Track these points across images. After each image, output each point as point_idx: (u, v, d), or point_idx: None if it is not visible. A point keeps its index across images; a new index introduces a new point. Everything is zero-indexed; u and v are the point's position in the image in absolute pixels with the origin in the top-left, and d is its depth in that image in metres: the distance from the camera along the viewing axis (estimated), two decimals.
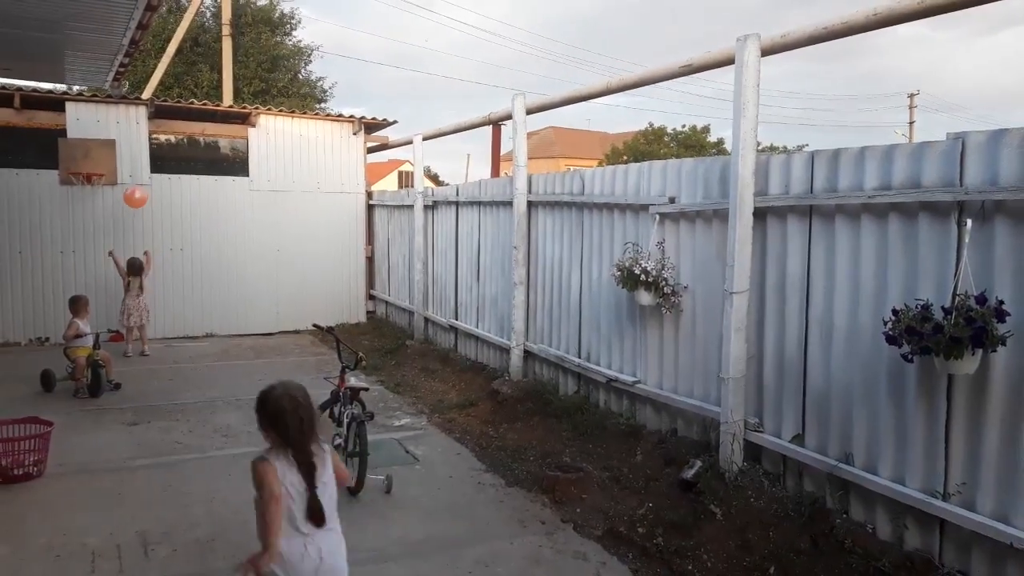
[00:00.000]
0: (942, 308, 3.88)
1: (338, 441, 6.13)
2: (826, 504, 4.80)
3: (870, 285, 4.59)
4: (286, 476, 3.11)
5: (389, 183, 47.16)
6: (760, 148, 5.41)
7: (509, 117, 8.85)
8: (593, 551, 4.96)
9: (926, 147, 4.30)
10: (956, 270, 4.03)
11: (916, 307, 3.99)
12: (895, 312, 4.09)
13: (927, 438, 4.25)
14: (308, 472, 3.14)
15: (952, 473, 4.13)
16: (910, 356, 4.02)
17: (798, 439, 5.12)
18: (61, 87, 13.09)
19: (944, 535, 4.16)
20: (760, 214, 5.32)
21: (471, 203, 10.17)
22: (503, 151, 11.48)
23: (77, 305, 9.03)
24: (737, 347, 5.35)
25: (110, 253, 11.17)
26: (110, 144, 11.54)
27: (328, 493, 3.22)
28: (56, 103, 11.54)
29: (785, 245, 5.20)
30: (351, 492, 5.70)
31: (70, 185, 11.39)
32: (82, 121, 11.57)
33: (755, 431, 5.39)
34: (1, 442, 5.93)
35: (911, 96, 42.97)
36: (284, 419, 3.15)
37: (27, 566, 4.57)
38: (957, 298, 3.89)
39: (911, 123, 42.53)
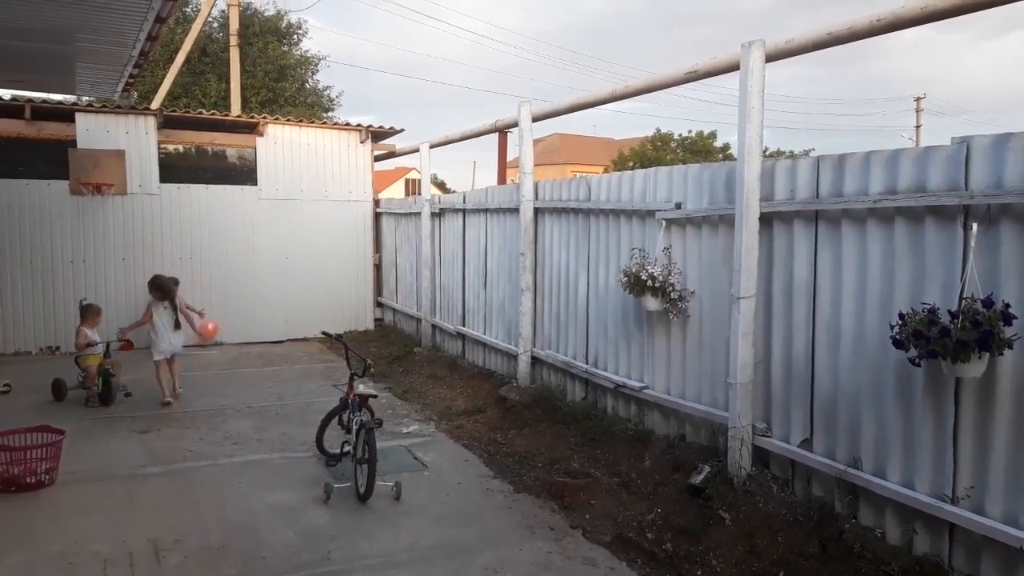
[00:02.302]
0: (949, 312, 3.88)
1: (347, 448, 6.17)
2: (835, 509, 4.80)
3: (877, 289, 4.60)
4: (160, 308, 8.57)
5: (396, 191, 47.35)
6: (766, 153, 5.43)
7: (515, 124, 8.89)
8: (602, 557, 4.96)
9: (931, 151, 4.31)
10: (962, 274, 4.04)
11: (923, 311, 4.00)
12: (902, 316, 4.10)
13: (935, 442, 4.25)
14: (171, 306, 8.66)
15: (961, 477, 4.13)
16: (917, 360, 4.03)
17: (806, 444, 5.12)
18: (71, 98, 13.19)
19: (954, 539, 4.16)
20: (766, 219, 5.34)
21: (478, 210, 10.21)
22: (509, 158, 11.54)
23: (87, 313, 9.08)
24: (744, 352, 5.36)
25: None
26: (119, 154, 11.62)
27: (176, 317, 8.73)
28: (66, 114, 11.65)
29: (791, 250, 5.21)
30: (361, 499, 5.73)
31: (80, 195, 11.48)
32: (92, 132, 11.68)
33: (763, 436, 5.39)
34: (13, 451, 5.99)
35: (917, 100, 42.93)
36: (160, 288, 8.62)
37: (40, 574, 4.61)
38: (964, 301, 3.89)
39: (918, 127, 42.49)
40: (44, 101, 11.51)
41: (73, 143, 11.52)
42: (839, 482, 4.78)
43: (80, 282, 11.77)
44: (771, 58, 5.40)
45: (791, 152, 38.06)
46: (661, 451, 6.24)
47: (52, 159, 11.45)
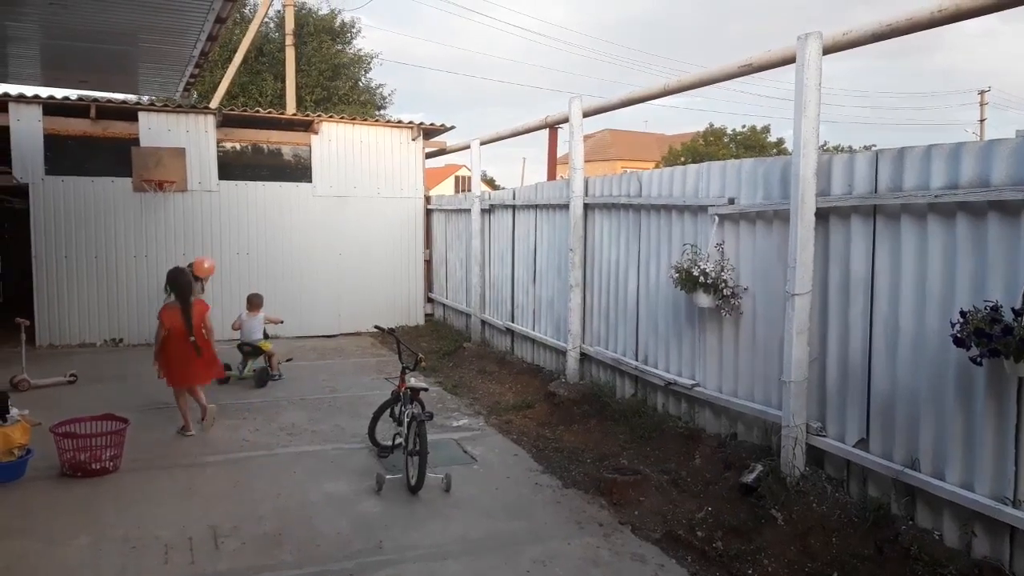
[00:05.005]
0: (1012, 309, 3.79)
1: (399, 440, 6.27)
2: (891, 510, 4.71)
3: (937, 286, 4.49)
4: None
5: (446, 188, 47.65)
6: (823, 147, 5.34)
7: (566, 120, 8.88)
8: (651, 553, 4.95)
9: (995, 145, 4.19)
10: None
11: (985, 308, 3.90)
12: (963, 314, 4.01)
13: (996, 443, 4.14)
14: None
15: (1023, 479, 4.02)
16: (979, 359, 3.94)
17: (862, 444, 5.03)
18: (134, 98, 13.59)
19: (1015, 542, 4.05)
20: (822, 214, 5.25)
21: (527, 206, 10.23)
22: (559, 154, 11.53)
23: (253, 301, 9.97)
24: (799, 350, 5.28)
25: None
26: (180, 152, 11.96)
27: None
28: (129, 113, 12.02)
29: (848, 246, 5.12)
30: (412, 490, 5.81)
31: (143, 192, 11.83)
32: (154, 130, 12.03)
33: (818, 435, 5.31)
34: (80, 438, 6.22)
35: (982, 93, 41.57)
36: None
37: (105, 556, 4.78)
38: None
39: (982, 121, 41.15)
40: (108, 101, 11.89)
41: (136, 141, 11.88)
42: (896, 483, 4.69)
43: (143, 276, 12.14)
44: (828, 50, 5.30)
45: (849, 147, 37.22)
46: (712, 449, 6.19)
47: (116, 157, 11.83)
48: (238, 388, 9.32)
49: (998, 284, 4.11)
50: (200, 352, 7.16)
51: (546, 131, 10.78)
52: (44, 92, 11.56)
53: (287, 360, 10.08)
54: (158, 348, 7.23)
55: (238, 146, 12.95)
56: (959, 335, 4.00)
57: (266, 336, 9.93)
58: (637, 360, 7.63)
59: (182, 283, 7.27)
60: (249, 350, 9.69)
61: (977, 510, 4.16)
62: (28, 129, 11.43)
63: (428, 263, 14.54)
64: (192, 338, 7.10)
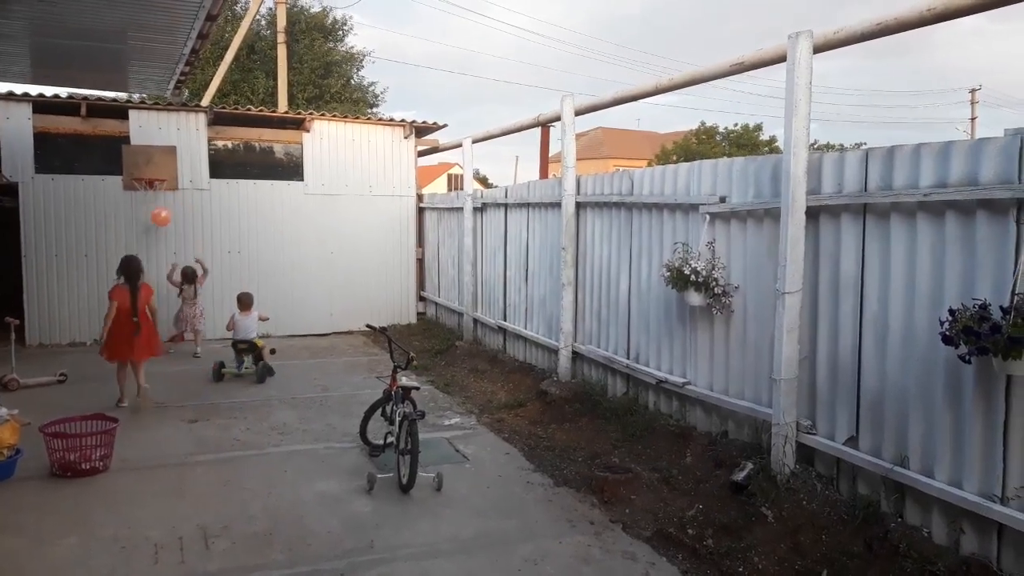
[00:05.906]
0: (1000, 308, 3.80)
1: (390, 439, 6.26)
2: (880, 507, 4.73)
3: (926, 284, 4.51)
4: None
5: (439, 186, 47.59)
6: (814, 146, 5.36)
7: (558, 119, 8.88)
8: (642, 552, 4.96)
9: (984, 143, 4.21)
10: (1015, 269, 3.94)
11: (973, 307, 3.92)
12: (952, 312, 4.02)
13: (985, 441, 4.16)
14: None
15: (1011, 476, 4.04)
16: (967, 357, 3.95)
17: (852, 442, 5.05)
18: (124, 95, 13.53)
19: (1002, 540, 4.07)
20: (813, 213, 5.26)
21: (520, 205, 10.23)
22: (552, 152, 11.53)
23: (245, 300, 10.10)
24: (789, 348, 5.29)
25: (173, 266, 11.50)
26: (171, 150, 11.90)
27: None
28: (120, 111, 11.95)
29: (838, 244, 5.14)
30: (403, 489, 5.80)
31: (133, 191, 11.77)
32: (144, 128, 11.98)
33: (808, 433, 5.32)
34: (70, 438, 6.19)
35: (972, 91, 41.75)
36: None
37: (95, 556, 4.76)
38: (1016, 297, 3.81)
39: (973, 119, 41.33)
40: (99, 99, 11.83)
41: (127, 139, 11.83)
42: (885, 481, 4.70)
43: None
44: (819, 49, 5.32)
45: (840, 145, 37.35)
46: (703, 447, 6.20)
47: (106, 155, 11.78)
48: (230, 387, 9.30)
49: (987, 282, 4.13)
50: (139, 330, 7.99)
51: (538, 129, 10.78)
52: (34, 90, 11.51)
53: (271, 351, 10.09)
54: (108, 326, 7.95)
55: (229, 144, 12.90)
56: (948, 333, 4.02)
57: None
58: (629, 358, 7.64)
59: (134, 268, 8.15)
60: (244, 347, 9.70)
61: (965, 507, 4.18)
62: (18, 127, 11.36)
63: (420, 261, 14.53)
64: (135, 318, 7.96)
